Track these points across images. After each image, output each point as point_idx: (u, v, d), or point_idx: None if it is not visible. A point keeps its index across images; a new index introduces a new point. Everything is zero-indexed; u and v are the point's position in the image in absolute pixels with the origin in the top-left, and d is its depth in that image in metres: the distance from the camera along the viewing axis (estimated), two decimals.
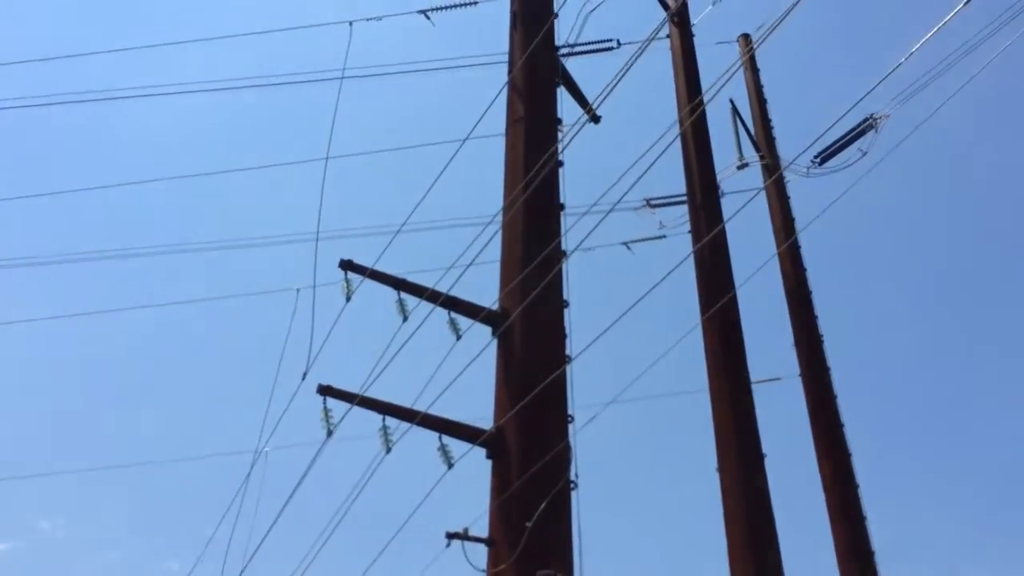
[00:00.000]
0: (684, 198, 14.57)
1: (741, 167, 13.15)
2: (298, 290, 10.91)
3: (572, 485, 7.15)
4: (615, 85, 6.20)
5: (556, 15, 9.46)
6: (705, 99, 12.43)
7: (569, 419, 7.43)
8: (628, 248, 12.33)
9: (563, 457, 7.22)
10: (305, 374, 7.70)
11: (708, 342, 10.96)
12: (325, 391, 6.94)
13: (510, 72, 9.19)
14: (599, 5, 11.43)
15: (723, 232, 11.48)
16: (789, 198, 13.93)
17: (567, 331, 7.82)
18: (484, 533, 7.11)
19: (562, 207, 8.39)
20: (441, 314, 7.68)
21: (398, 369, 7.51)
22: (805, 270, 13.58)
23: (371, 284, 7.70)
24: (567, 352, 7.72)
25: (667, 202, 14.14)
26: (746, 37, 15.13)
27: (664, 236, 12.97)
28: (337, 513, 6.97)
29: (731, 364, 10.73)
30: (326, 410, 6.90)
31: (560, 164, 8.64)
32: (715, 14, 12.57)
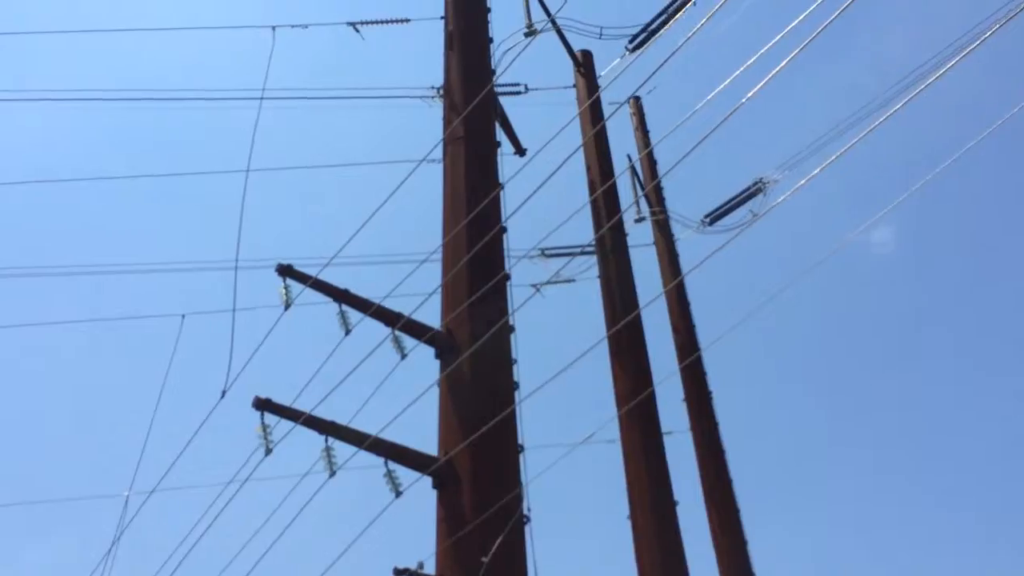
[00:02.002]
0: (576, 250, 14.57)
1: (639, 220, 13.28)
2: (183, 316, 9.88)
3: (525, 519, 6.61)
4: (553, 137, 5.96)
5: (491, 39, 9.23)
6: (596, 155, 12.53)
7: (520, 449, 6.92)
8: (537, 291, 12.04)
9: (515, 488, 6.68)
10: (224, 392, 6.79)
11: (619, 388, 10.77)
12: (263, 405, 6.10)
13: (446, 91, 8.82)
14: (522, 46, 11.34)
15: (631, 277, 11.44)
16: (678, 255, 14.18)
17: (514, 356, 7.35)
18: (429, 567, 6.42)
19: (504, 230, 8.01)
20: (384, 331, 7.04)
21: (327, 385, 6.76)
22: (694, 326, 13.75)
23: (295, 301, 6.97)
24: (515, 379, 7.25)
25: (560, 253, 14.06)
26: (636, 99, 15.52)
27: (574, 280, 12.81)
28: (269, 546, 6.08)
29: (643, 412, 10.55)
30: (264, 425, 6.05)
31: (501, 187, 8.28)
32: (624, 68, 12.77)
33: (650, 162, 14.97)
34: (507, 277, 7.71)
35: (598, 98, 12.74)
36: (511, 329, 7.50)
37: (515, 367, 7.30)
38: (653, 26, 11.77)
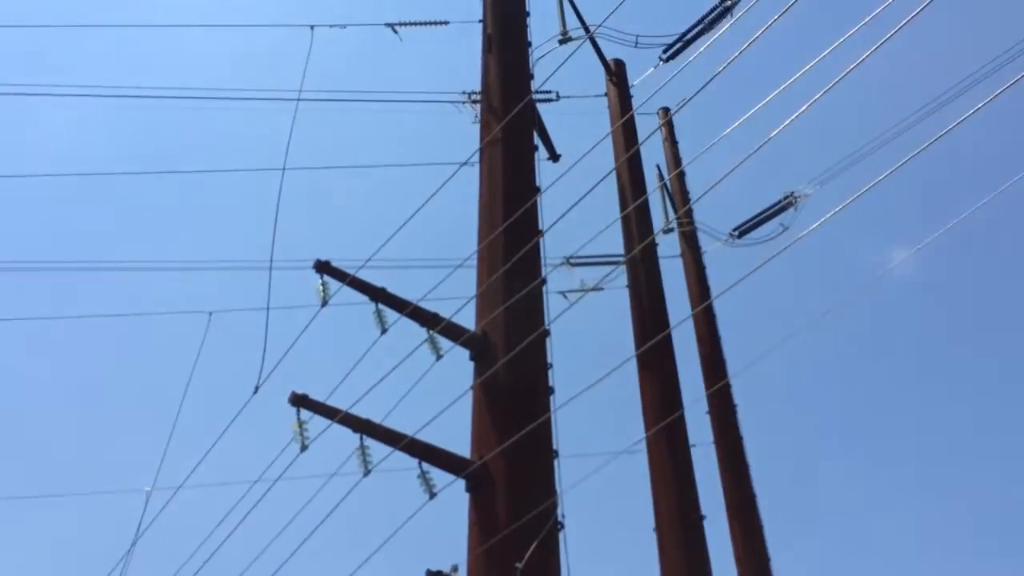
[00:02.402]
0: (603, 258, 14.50)
1: (667, 231, 13.19)
2: (211, 313, 9.86)
3: (560, 525, 6.51)
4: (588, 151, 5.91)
5: (530, 43, 9.20)
6: (626, 164, 12.47)
7: (554, 454, 6.83)
8: (565, 297, 11.98)
9: (550, 495, 6.59)
10: (257, 387, 6.74)
11: (646, 399, 10.66)
12: (299, 401, 6.03)
13: (484, 94, 8.79)
14: (556, 53, 11.31)
15: (661, 288, 11.35)
16: (705, 268, 14.08)
17: (549, 361, 7.28)
18: (462, 570, 6.33)
19: (541, 234, 7.95)
20: (418, 332, 6.98)
21: (359, 384, 6.69)
22: (719, 337, 13.63)
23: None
24: (550, 383, 7.17)
25: (588, 262, 14.00)
26: (666, 110, 15.45)
27: (602, 288, 12.73)
28: (300, 542, 6.01)
29: (671, 426, 10.44)
30: (300, 421, 5.98)
31: (538, 190, 8.23)
32: (658, 76, 12.73)
33: (678, 174, 14.89)
34: (544, 282, 7.64)
35: (630, 106, 12.69)
36: (546, 334, 7.42)
37: (550, 372, 7.22)
38: (688, 36, 11.72)
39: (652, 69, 12.14)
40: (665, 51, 12.23)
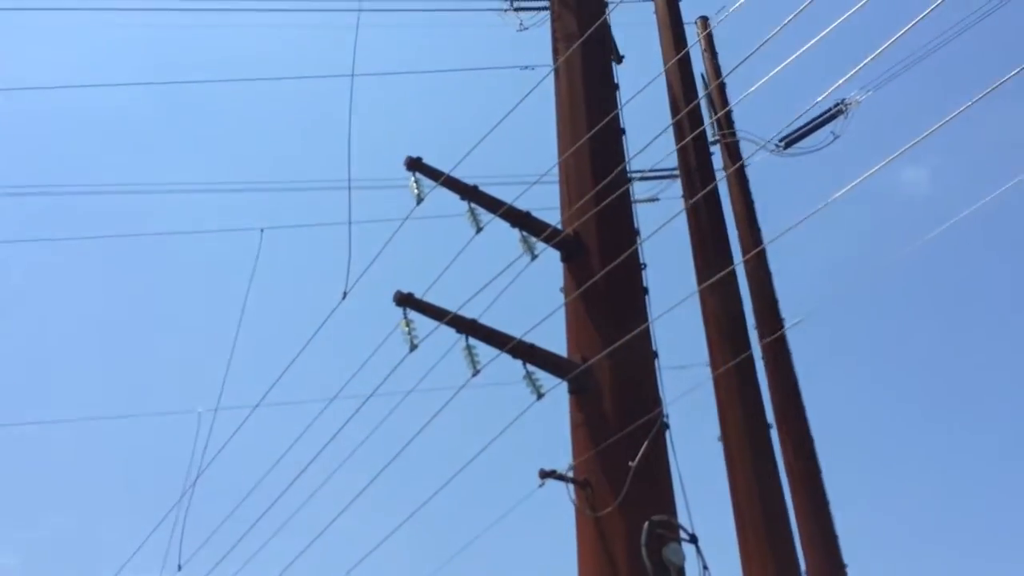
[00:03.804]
0: (664, 173, 14.27)
1: (713, 143, 12.87)
2: (262, 230, 9.56)
3: (665, 425, 6.37)
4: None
5: None
6: (670, 74, 12.09)
7: (655, 355, 6.65)
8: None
9: (653, 395, 6.43)
10: (345, 293, 6.50)
11: (707, 310, 10.49)
12: (405, 300, 5.81)
13: None
14: None
15: (718, 200, 11.10)
16: (748, 180, 13.80)
17: (643, 261, 7.05)
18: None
19: (623, 131, 7.65)
20: (507, 233, 6.73)
21: (451, 290, 6.45)
22: (766, 254, 13.42)
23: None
24: (644, 284, 6.96)
25: (646, 176, 13.76)
26: (704, 19, 14.97)
27: (658, 199, 12.47)
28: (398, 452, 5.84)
29: (735, 336, 10.31)
30: (407, 320, 5.76)
31: (616, 87, 7.90)
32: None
33: (719, 85, 14.50)
34: (630, 181, 7.37)
35: (679, 14, 12.27)
36: (636, 233, 7.19)
37: (644, 272, 7.01)
38: None
39: None
40: None
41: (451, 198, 6.90)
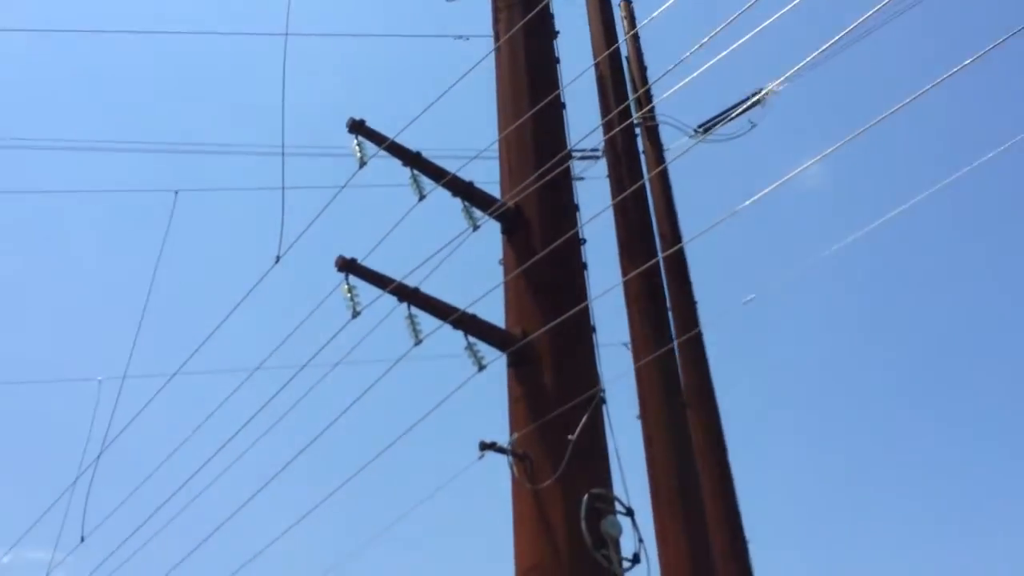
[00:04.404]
0: (592, 153, 14.30)
1: (636, 126, 12.98)
2: (176, 192, 9.16)
3: (602, 400, 6.40)
4: None
5: None
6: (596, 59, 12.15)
7: (592, 329, 6.66)
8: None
9: (592, 370, 6.45)
10: (279, 257, 6.25)
11: (630, 287, 10.61)
12: (347, 266, 5.61)
13: None
14: None
15: (641, 178, 11.21)
16: (666, 164, 14.00)
17: (582, 237, 7.04)
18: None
19: (563, 106, 7.61)
20: (449, 202, 6.60)
21: (390, 255, 6.30)
22: (681, 236, 13.67)
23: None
24: (583, 259, 6.96)
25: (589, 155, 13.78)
26: (627, 2, 15.08)
27: (583, 179, 12.49)
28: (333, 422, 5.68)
29: (656, 319, 10.46)
30: (349, 287, 5.57)
31: (557, 61, 7.84)
32: None
33: (640, 68, 14.63)
34: (570, 156, 7.35)
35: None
36: (576, 208, 7.17)
37: (583, 248, 7.00)
38: None
39: None
40: None
41: (383, 167, 6.74)
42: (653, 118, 14.17)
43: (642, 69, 14.69)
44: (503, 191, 7.12)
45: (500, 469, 6.17)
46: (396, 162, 6.14)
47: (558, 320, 6.10)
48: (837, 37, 5.48)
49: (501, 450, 5.85)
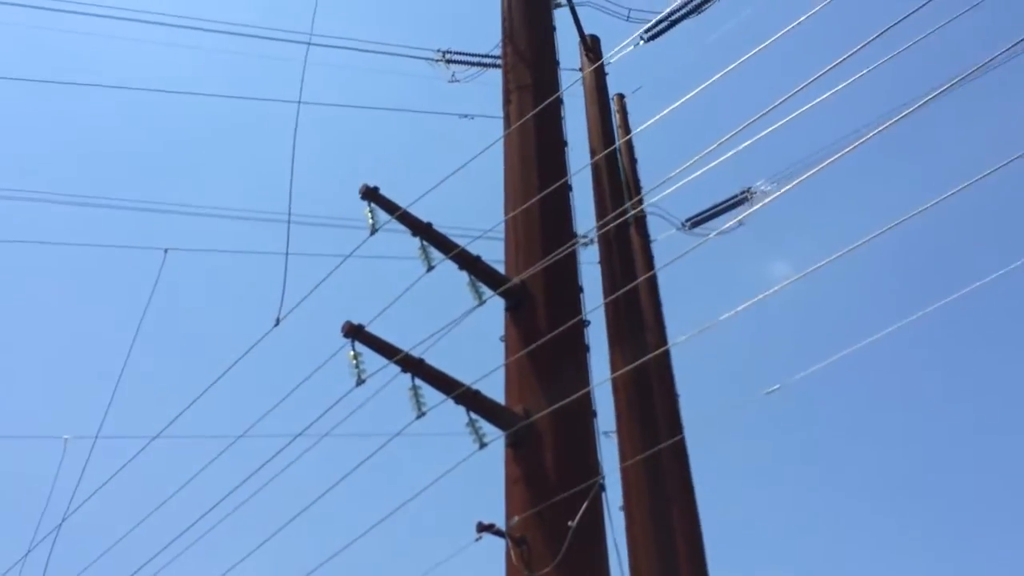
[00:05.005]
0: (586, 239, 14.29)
1: (627, 217, 13.08)
2: (166, 251, 8.99)
3: (601, 486, 6.20)
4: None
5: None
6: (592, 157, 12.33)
7: (594, 414, 6.51)
8: None
9: (592, 454, 6.27)
10: (279, 319, 6.06)
11: (618, 371, 10.49)
12: (354, 332, 5.43)
13: (508, 38, 8.37)
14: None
15: (632, 267, 11.23)
16: (653, 256, 14.10)
17: (585, 317, 6.94)
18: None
19: (570, 188, 7.61)
20: (456, 276, 6.50)
21: (393, 325, 6.13)
22: (665, 327, 13.64)
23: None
24: (586, 342, 6.84)
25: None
26: (620, 97, 15.39)
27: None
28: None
29: (642, 408, 10.32)
30: (355, 353, 5.38)
31: (565, 144, 7.88)
32: (637, 55, 12.63)
33: (631, 160, 14.85)
34: (577, 239, 7.31)
35: (604, 85, 12.54)
36: (580, 289, 7.09)
37: (587, 330, 6.90)
38: (673, 17, 11.65)
39: (632, 48, 12.01)
40: (647, 31, 12.13)
41: (383, 237, 6.64)
42: (642, 210, 14.31)
43: (632, 162, 14.90)
44: (507, 267, 7.04)
45: (495, 551, 5.92)
46: (394, 233, 6.05)
47: (564, 402, 5.94)
48: (830, 160, 5.49)
49: (499, 533, 5.60)
